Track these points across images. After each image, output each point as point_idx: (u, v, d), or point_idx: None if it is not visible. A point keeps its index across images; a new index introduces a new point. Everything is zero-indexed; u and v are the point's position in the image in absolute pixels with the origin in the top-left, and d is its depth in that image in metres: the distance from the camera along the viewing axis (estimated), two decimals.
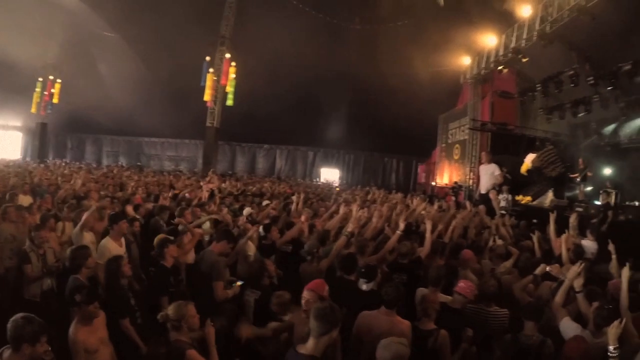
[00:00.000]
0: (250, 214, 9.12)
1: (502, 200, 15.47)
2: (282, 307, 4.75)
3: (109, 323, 4.61)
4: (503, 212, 13.10)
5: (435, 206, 12.46)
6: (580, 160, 17.39)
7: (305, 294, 4.40)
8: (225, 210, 9.80)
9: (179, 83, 28.68)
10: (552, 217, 8.66)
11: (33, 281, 5.94)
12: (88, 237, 6.73)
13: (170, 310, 4.06)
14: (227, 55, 27.82)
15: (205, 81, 27.45)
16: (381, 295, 4.79)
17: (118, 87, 29.90)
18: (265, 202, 11.33)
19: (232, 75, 27.65)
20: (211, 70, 27.45)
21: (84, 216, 6.62)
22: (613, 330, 3.90)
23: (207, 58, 27.47)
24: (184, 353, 3.84)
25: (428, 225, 7.17)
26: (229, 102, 28.39)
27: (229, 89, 28.06)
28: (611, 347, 3.82)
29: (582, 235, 8.89)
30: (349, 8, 28.06)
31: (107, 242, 6.39)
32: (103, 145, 41.11)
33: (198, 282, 5.88)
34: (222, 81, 27.96)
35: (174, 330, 3.99)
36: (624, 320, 4.01)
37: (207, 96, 27.81)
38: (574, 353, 3.93)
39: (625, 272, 5.14)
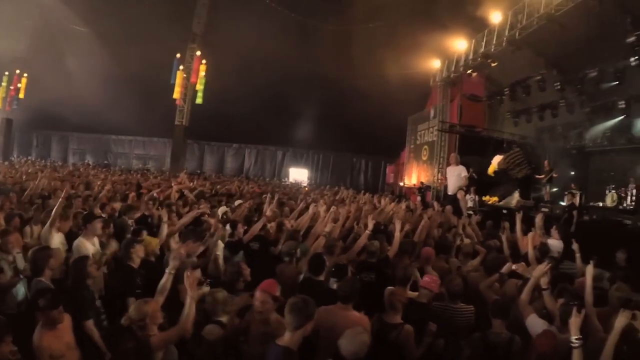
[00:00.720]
0: (225, 213, 9.03)
1: (469, 200, 15.69)
2: (215, 306, 4.68)
3: (75, 327, 4.45)
4: (470, 212, 13.23)
5: (404, 206, 12.51)
6: (546, 162, 17.82)
7: (259, 295, 4.35)
8: (203, 206, 9.63)
9: (148, 80, 28.20)
10: (519, 216, 8.81)
11: (8, 291, 5.56)
12: (57, 238, 6.51)
13: (131, 311, 3.98)
14: (198, 53, 27.66)
15: (175, 79, 27.17)
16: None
17: (86, 82, 29.05)
18: (237, 202, 11.19)
19: (202, 74, 27.45)
20: (181, 67, 27.20)
21: (53, 212, 6.46)
22: (573, 320, 3.98)
23: (178, 55, 27.23)
24: (148, 341, 3.83)
25: (397, 225, 7.21)
26: (198, 101, 28.19)
27: (199, 87, 27.85)
28: (573, 338, 3.88)
29: (548, 235, 9.05)
30: (322, 8, 28.10)
31: (81, 241, 6.16)
32: (69, 143, 40.38)
33: None
34: (192, 79, 27.76)
35: (141, 331, 3.91)
36: (583, 311, 4.09)
37: (177, 94, 27.60)
38: (544, 347, 3.99)
39: (589, 269, 5.28)
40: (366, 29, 25.88)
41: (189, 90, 28.69)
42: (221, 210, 9.37)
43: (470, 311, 5.40)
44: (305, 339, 3.95)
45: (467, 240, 8.38)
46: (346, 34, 27.09)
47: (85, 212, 7.29)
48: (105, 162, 36.92)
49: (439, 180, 22.60)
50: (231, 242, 7.07)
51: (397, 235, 7.06)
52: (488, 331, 4.68)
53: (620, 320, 4.08)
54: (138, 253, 5.67)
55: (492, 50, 18.39)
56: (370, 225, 7.11)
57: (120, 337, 4.07)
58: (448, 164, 17.34)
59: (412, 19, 21.77)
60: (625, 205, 15.32)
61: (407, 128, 29.57)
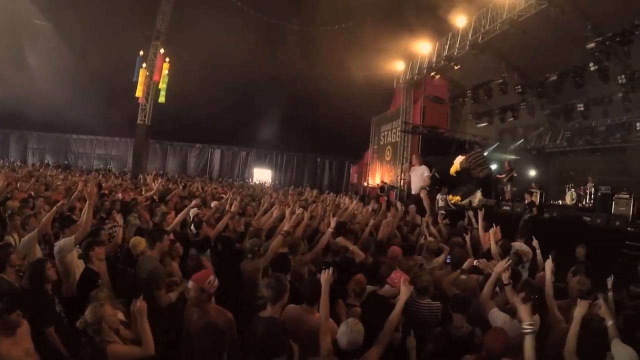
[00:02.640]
0: (196, 215, 8.97)
1: (440, 200, 15.90)
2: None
3: (34, 332, 4.25)
4: (442, 212, 13.32)
5: (370, 209, 12.55)
6: (506, 163, 18.19)
7: (190, 285, 4.34)
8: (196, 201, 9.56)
9: (110, 78, 27.70)
10: (481, 214, 8.94)
11: None
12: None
13: (87, 314, 3.87)
14: (161, 51, 27.15)
15: (137, 76, 26.66)
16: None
17: (47, 79, 28.25)
18: (214, 203, 11.06)
19: (165, 72, 26.94)
20: (144, 65, 26.72)
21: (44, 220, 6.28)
22: (523, 307, 4.11)
23: (141, 52, 26.72)
24: (104, 349, 3.76)
25: (345, 243, 7.17)
26: (161, 100, 27.53)
27: (162, 85, 27.20)
28: (524, 324, 3.95)
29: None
30: (287, 9, 28.09)
31: (68, 241, 5.85)
32: (29, 142, 39.14)
33: (138, 289, 5.53)
34: (154, 77, 27.23)
35: (97, 335, 3.82)
36: (534, 297, 4.21)
37: (139, 92, 26.99)
38: (493, 344, 4.02)
39: (549, 263, 5.48)
40: (331, 31, 26.06)
41: (152, 88, 28.12)
42: (193, 211, 9.31)
43: (437, 307, 5.43)
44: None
45: (430, 239, 8.46)
46: (311, 35, 27.19)
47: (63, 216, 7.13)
48: (66, 162, 36.12)
49: (402, 181, 22.80)
50: (197, 241, 7.01)
51: (353, 248, 7.08)
52: (449, 325, 4.78)
53: (579, 310, 4.23)
54: (98, 255, 5.56)
55: (455, 53, 18.66)
56: (332, 224, 7.15)
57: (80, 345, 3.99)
58: (411, 165, 17.52)
59: (377, 21, 21.96)
60: (584, 203, 15.80)
61: (370, 129, 29.73)
